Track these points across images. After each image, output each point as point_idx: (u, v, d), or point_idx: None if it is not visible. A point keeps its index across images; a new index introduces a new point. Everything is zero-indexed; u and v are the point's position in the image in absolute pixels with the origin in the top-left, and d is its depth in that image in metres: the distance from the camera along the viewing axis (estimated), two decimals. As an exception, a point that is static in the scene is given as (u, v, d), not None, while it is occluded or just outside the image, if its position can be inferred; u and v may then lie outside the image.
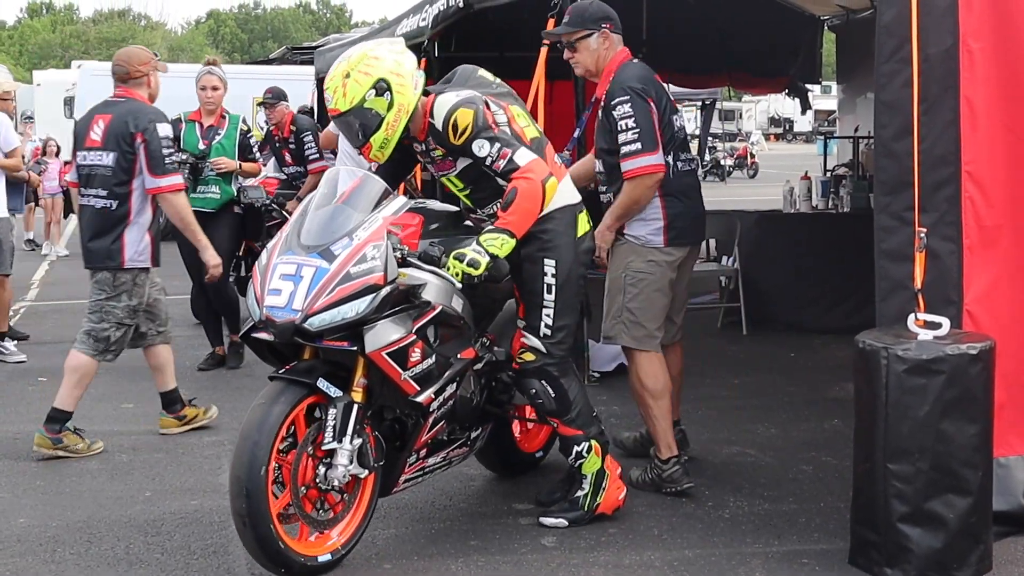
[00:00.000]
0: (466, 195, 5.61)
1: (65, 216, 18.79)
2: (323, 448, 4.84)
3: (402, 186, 8.50)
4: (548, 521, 5.59)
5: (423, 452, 5.30)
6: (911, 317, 4.92)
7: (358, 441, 4.86)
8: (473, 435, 5.70)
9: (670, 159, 6.04)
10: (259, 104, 11.28)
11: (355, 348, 4.83)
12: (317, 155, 10.85)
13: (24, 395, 8.65)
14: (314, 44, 21.30)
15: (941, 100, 5.05)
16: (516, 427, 6.24)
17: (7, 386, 8.95)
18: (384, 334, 4.84)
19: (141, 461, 6.82)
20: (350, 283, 4.80)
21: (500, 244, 5.07)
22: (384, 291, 4.84)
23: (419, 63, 10.96)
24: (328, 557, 4.93)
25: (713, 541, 5.38)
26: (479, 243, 5.06)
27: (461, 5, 10.07)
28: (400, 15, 12.60)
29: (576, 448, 5.59)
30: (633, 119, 5.84)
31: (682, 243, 6.12)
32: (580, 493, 5.63)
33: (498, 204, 5.36)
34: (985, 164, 5.09)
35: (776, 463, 6.53)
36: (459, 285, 5.06)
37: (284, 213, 9.92)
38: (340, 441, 4.81)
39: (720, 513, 5.75)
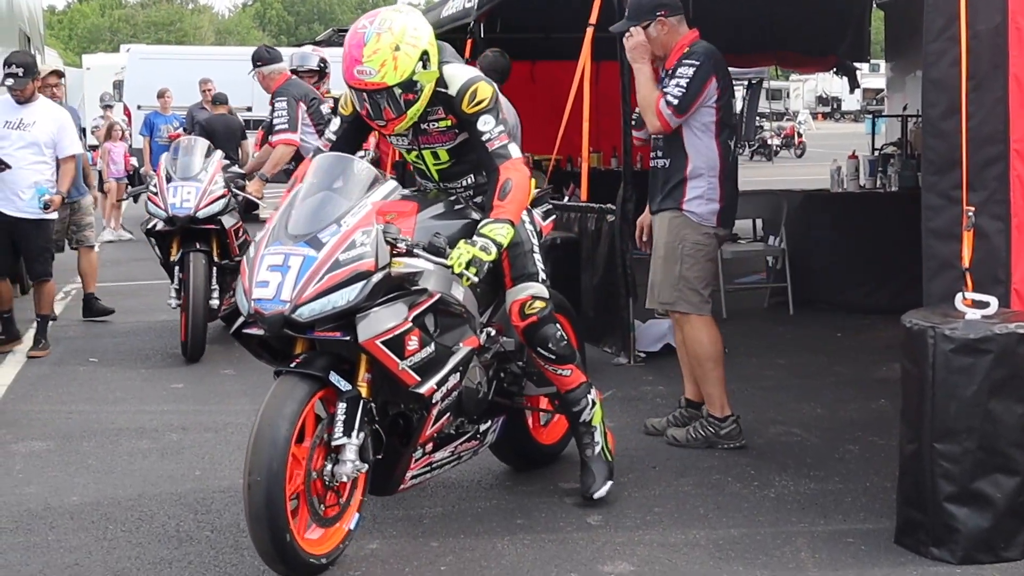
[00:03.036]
0: (441, 168, 5.54)
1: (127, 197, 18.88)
2: (334, 443, 4.70)
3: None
4: (597, 494, 5.59)
5: (429, 447, 5.20)
6: (959, 296, 4.89)
7: (363, 436, 4.75)
8: (483, 428, 5.60)
9: (731, 142, 6.41)
10: (248, 74, 10.41)
11: (348, 338, 4.68)
12: (285, 124, 9.64)
13: (76, 376, 8.76)
14: (342, 28, 21.32)
15: (990, 78, 5.01)
16: (531, 420, 6.11)
17: (60, 367, 9.06)
18: (377, 322, 4.69)
19: (191, 440, 6.89)
20: (339, 270, 4.67)
21: (505, 233, 5.06)
22: (375, 278, 4.72)
23: (465, 44, 11.13)
24: (323, 559, 4.77)
25: (758, 520, 5.38)
26: (483, 233, 5.01)
27: (506, -13, 10.12)
28: (445, -3, 12.67)
29: (588, 397, 5.66)
30: (687, 80, 6.21)
31: (729, 224, 6.53)
32: (599, 447, 5.68)
33: (468, 180, 5.50)
34: (1034, 143, 5.05)
35: (822, 443, 6.52)
36: (473, 279, 4.90)
37: (245, 198, 9.58)
38: (349, 436, 4.68)
39: (766, 492, 5.75)
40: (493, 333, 5.57)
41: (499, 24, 11.18)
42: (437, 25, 12.63)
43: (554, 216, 6.37)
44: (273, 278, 4.67)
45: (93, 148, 18.75)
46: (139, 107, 20.54)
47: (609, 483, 5.65)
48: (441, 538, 5.23)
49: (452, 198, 5.53)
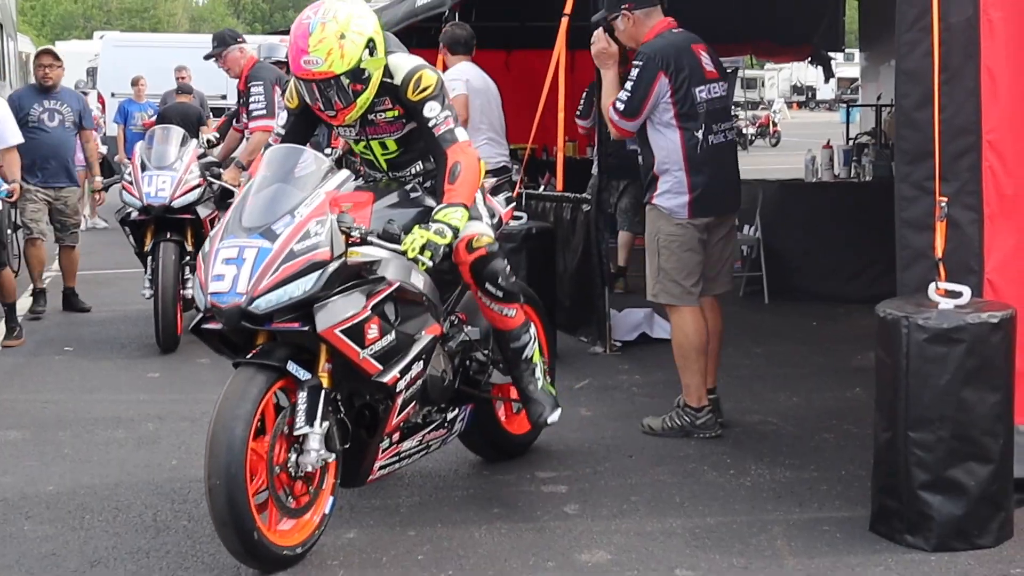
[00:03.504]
0: (390, 157, 5.54)
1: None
2: (296, 433, 4.67)
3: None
4: (551, 418, 5.72)
5: (396, 436, 5.19)
6: (932, 286, 4.93)
7: (326, 425, 4.73)
8: (450, 417, 5.60)
9: (699, 133, 6.34)
10: (205, 59, 10.06)
11: (306, 328, 4.66)
12: (263, 110, 9.38)
13: (51, 365, 8.73)
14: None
15: (962, 69, 5.05)
16: (502, 410, 6.11)
17: (35, 356, 9.04)
18: (335, 311, 4.68)
19: (168, 430, 6.88)
20: (294, 261, 4.66)
21: (460, 216, 5.08)
22: (331, 267, 4.70)
23: (439, 33, 11.08)
24: (298, 549, 4.77)
25: (734, 509, 5.41)
26: (437, 219, 5.02)
27: (482, -26, 10.12)
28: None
29: (529, 333, 5.69)
30: (632, 83, 6.31)
31: (709, 214, 6.43)
32: (540, 382, 5.75)
33: (416, 168, 5.52)
34: (1006, 133, 5.09)
35: (798, 431, 6.56)
36: (428, 263, 4.91)
37: (219, 186, 9.31)
38: (311, 426, 4.66)
39: (741, 481, 5.78)
40: (457, 321, 5.59)
41: (474, 13, 11.14)
42: (412, 14, 12.63)
43: (514, 204, 6.39)
44: (228, 271, 4.65)
45: None
46: (113, 95, 20.45)
47: (559, 410, 5.76)
48: (418, 527, 5.24)
49: (408, 187, 5.53)
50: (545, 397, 5.76)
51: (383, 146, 5.51)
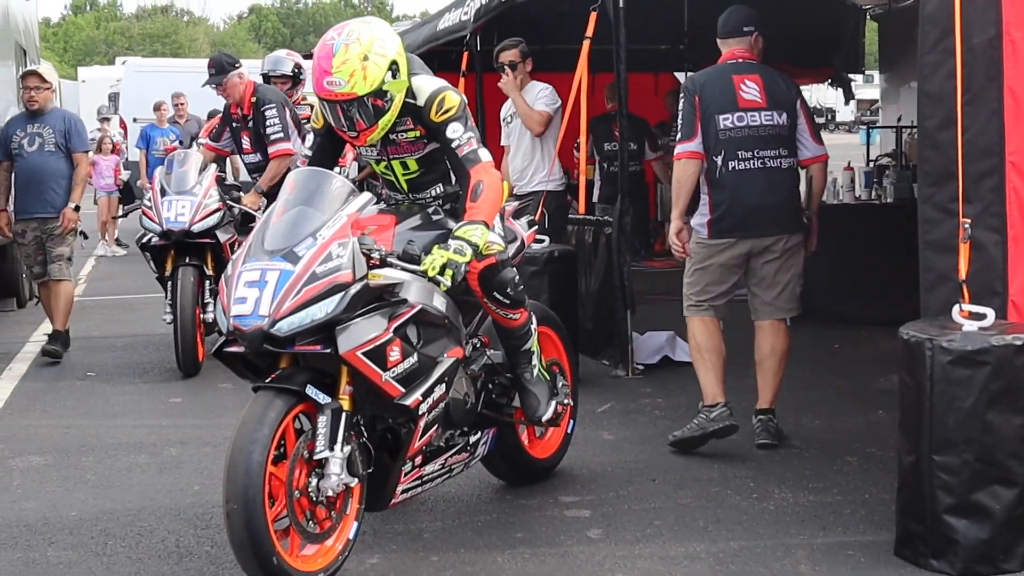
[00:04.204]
0: (410, 178, 5.56)
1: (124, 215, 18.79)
2: (315, 457, 4.66)
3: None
4: (546, 416, 5.79)
5: (418, 460, 5.18)
6: (956, 308, 4.91)
7: (348, 449, 4.71)
8: (472, 440, 5.60)
9: (717, 159, 6.63)
10: (203, 86, 9.98)
11: (328, 350, 4.67)
12: (280, 133, 9.39)
13: (73, 390, 8.76)
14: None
15: (985, 90, 5.02)
16: (525, 435, 6.08)
17: (58, 382, 9.06)
18: (357, 333, 4.69)
19: (190, 455, 6.89)
20: (317, 283, 4.66)
21: (480, 234, 5.09)
22: (353, 289, 4.70)
23: (461, 57, 11.12)
24: (321, 574, 4.73)
25: (758, 533, 5.39)
26: (457, 236, 5.04)
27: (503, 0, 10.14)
28: (442, 9, 12.69)
29: (530, 327, 5.69)
30: (680, 111, 6.78)
31: (729, 235, 6.66)
32: (536, 369, 5.77)
33: (437, 190, 5.54)
34: (1030, 154, 5.07)
35: (821, 455, 6.52)
36: (448, 283, 4.93)
37: (240, 210, 9.38)
38: (332, 449, 4.64)
39: (765, 505, 5.75)
40: (479, 344, 5.60)
41: (495, 36, 11.16)
42: (433, 38, 12.70)
43: (536, 227, 6.41)
44: (251, 294, 4.65)
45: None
46: (135, 120, 20.58)
47: (554, 402, 5.82)
48: (441, 552, 5.23)
49: (430, 209, 5.54)
50: (541, 388, 5.79)
51: (404, 166, 5.52)
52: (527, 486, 6.07)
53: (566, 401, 6.09)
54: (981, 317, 4.85)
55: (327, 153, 5.59)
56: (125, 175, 18.21)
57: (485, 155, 5.34)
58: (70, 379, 9.12)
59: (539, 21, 10.28)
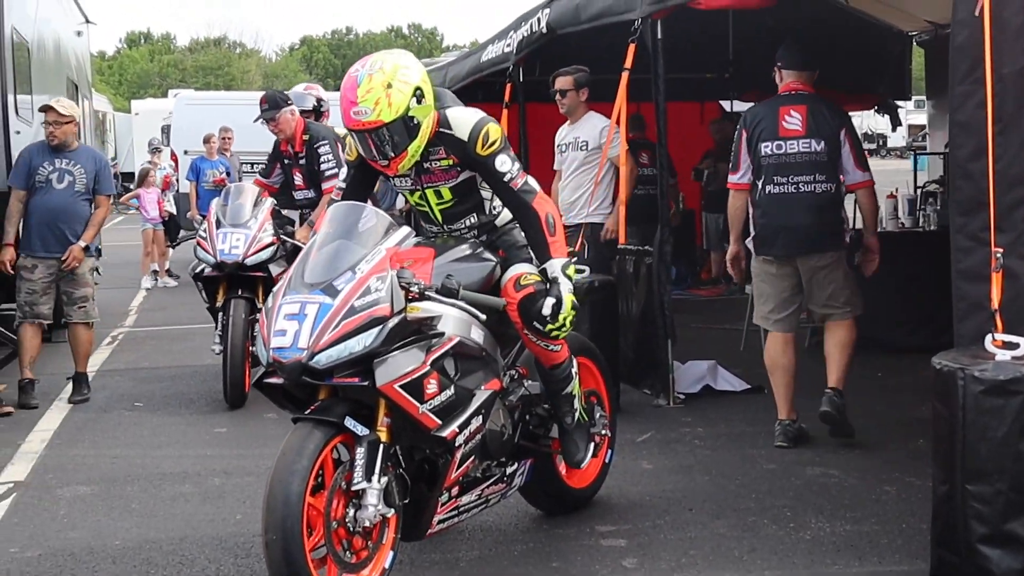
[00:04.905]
0: (445, 208, 5.63)
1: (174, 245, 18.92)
2: (353, 488, 4.70)
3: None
4: (585, 462, 5.89)
5: (455, 490, 5.22)
6: (988, 337, 4.91)
7: (385, 480, 4.75)
8: (509, 471, 5.64)
9: (759, 182, 7.36)
10: (255, 122, 10.15)
11: (366, 383, 4.73)
12: (335, 168, 9.45)
13: (121, 420, 8.88)
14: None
15: (1016, 120, 5.03)
16: (562, 465, 6.08)
17: (105, 412, 9.18)
18: (395, 367, 4.75)
19: (233, 485, 6.97)
20: (355, 316, 4.72)
21: (572, 271, 5.39)
22: (391, 323, 4.76)
23: (505, 88, 11.21)
24: None
25: (793, 563, 5.40)
26: (567, 275, 5.32)
27: (545, 31, 10.22)
28: (485, 41, 12.79)
29: (571, 370, 5.74)
30: (733, 145, 7.53)
31: (769, 253, 7.40)
32: (577, 413, 5.81)
33: (470, 220, 5.65)
34: (1062, 184, 5.07)
35: (859, 484, 6.52)
36: (568, 327, 5.26)
37: (292, 244, 9.32)
38: (369, 481, 4.69)
39: (801, 535, 5.76)
40: (516, 376, 5.64)
41: (538, 68, 11.25)
42: (477, 69, 12.80)
43: (574, 259, 6.46)
44: (290, 327, 4.72)
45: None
46: (186, 152, 20.78)
47: (591, 444, 5.94)
48: (477, 581, 5.27)
49: (468, 242, 5.62)
50: (581, 433, 5.84)
51: (438, 195, 5.59)
52: (564, 515, 6.10)
53: (603, 431, 6.14)
54: (1014, 346, 4.85)
55: (361, 185, 5.68)
56: (170, 207, 18.41)
57: (536, 183, 5.47)
58: (118, 409, 9.24)
59: (580, 52, 10.31)
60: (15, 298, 9.47)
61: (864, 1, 11.23)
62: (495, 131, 5.36)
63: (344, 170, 5.77)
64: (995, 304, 4.95)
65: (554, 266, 5.33)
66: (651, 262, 8.60)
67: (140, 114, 36.40)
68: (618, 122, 8.72)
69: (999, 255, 4.97)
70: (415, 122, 5.22)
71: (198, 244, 9.53)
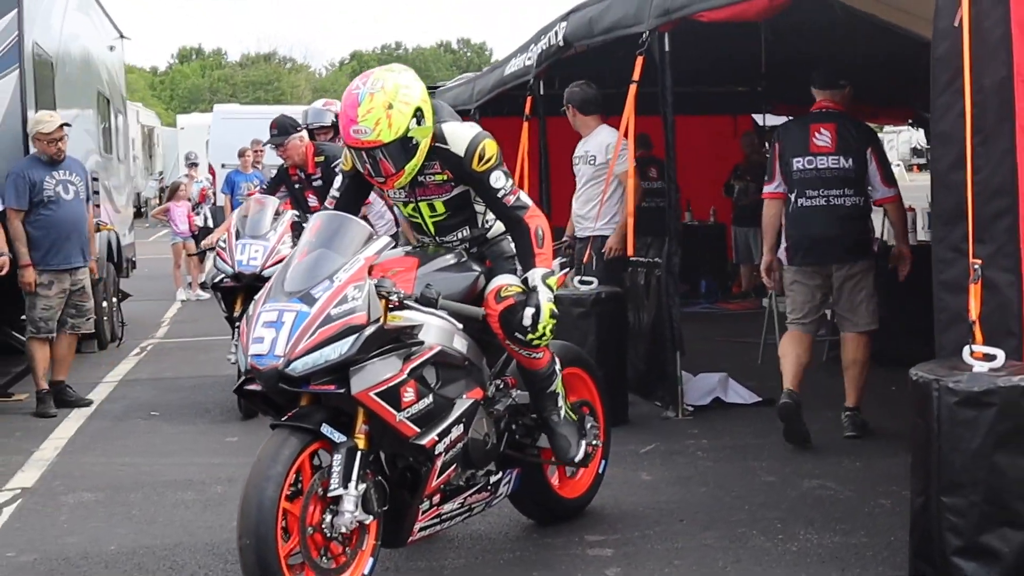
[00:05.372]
0: (437, 220, 5.68)
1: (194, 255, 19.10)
2: (329, 495, 4.76)
3: None
4: (579, 457, 5.87)
5: (436, 498, 5.26)
6: (966, 349, 4.90)
7: (363, 487, 4.81)
8: (493, 480, 5.65)
9: (791, 195, 7.77)
10: (264, 145, 10.31)
11: (342, 391, 4.77)
12: None
13: (135, 429, 9.00)
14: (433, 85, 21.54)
15: (998, 131, 5.01)
16: (555, 476, 6.16)
17: (121, 421, 9.31)
18: (371, 374, 4.80)
19: (235, 492, 6.91)
20: (331, 324, 4.76)
21: (553, 281, 5.41)
22: (367, 331, 4.80)
23: (526, 101, 11.26)
24: None
25: (775, 573, 5.40)
26: (547, 285, 5.39)
27: (562, 44, 10.26)
28: (509, 54, 12.84)
29: (554, 369, 5.76)
30: (768, 157, 8.06)
31: (801, 263, 7.77)
32: (563, 410, 5.83)
33: (463, 232, 5.70)
34: (1044, 195, 5.05)
35: (855, 496, 6.50)
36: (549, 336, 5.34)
37: None
38: (346, 487, 4.75)
39: (788, 546, 5.75)
40: (503, 385, 5.68)
41: (557, 82, 11.29)
42: (501, 82, 12.85)
43: (569, 269, 6.51)
44: (268, 334, 4.78)
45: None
46: (223, 165, 20.99)
47: (583, 442, 5.92)
48: (458, 589, 5.30)
49: (454, 252, 5.67)
50: (569, 429, 5.85)
51: (431, 208, 5.64)
52: (556, 525, 6.12)
53: (595, 442, 6.15)
54: (992, 358, 4.83)
55: (354, 194, 5.72)
56: (200, 221, 18.59)
57: (527, 199, 5.53)
58: (134, 419, 9.36)
59: (597, 65, 10.34)
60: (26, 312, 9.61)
61: (893, 12, 11.19)
62: (491, 147, 5.41)
63: (338, 178, 5.82)
64: (973, 315, 4.94)
65: (535, 275, 5.38)
66: (660, 274, 8.61)
67: (185, 128, 36.70)
68: (626, 134, 8.73)
69: (976, 267, 4.96)
70: (414, 143, 5.27)
71: (217, 254, 9.65)
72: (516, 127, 11.57)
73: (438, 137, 5.40)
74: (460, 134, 5.43)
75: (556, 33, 10.48)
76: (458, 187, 5.55)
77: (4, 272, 9.24)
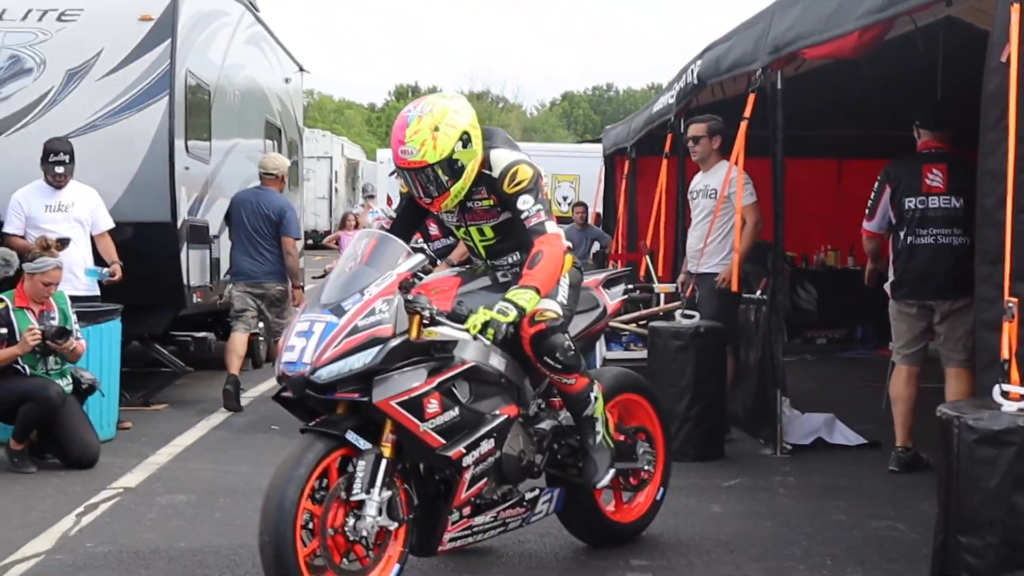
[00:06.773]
0: (488, 245, 5.80)
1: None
2: (352, 499, 4.93)
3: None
4: (601, 483, 5.81)
5: (467, 510, 5.35)
6: (996, 388, 4.82)
7: (387, 493, 4.96)
8: (530, 496, 5.72)
9: (902, 233, 7.93)
10: (389, 176, 10.65)
11: (365, 399, 4.95)
12: None
13: (251, 441, 9.33)
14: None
15: (1042, 169, 4.95)
16: (612, 503, 6.22)
17: (242, 433, 9.67)
18: (394, 384, 4.97)
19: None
20: (357, 335, 4.95)
21: (528, 299, 5.29)
22: (392, 343, 4.97)
23: (666, 139, 11.31)
24: None
25: (804, 607, 5.36)
26: (507, 298, 5.25)
27: (696, 82, 10.34)
28: (659, 93, 12.94)
29: (591, 395, 5.72)
30: (873, 192, 8.11)
31: (908, 297, 7.94)
32: (599, 436, 5.81)
33: (514, 257, 5.71)
34: (1087, 234, 4.95)
35: (920, 539, 6.34)
36: (487, 341, 5.16)
37: None
38: (368, 492, 4.91)
39: (830, 583, 5.71)
40: (545, 405, 5.76)
41: (682, 123, 11.31)
42: (649, 121, 12.96)
43: (624, 297, 6.54)
44: (299, 343, 5.00)
45: None
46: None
47: (612, 471, 5.85)
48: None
49: (498, 273, 5.78)
50: (602, 455, 5.83)
51: (481, 233, 5.80)
52: (609, 548, 6.17)
53: (646, 467, 6.19)
54: (1022, 398, 4.75)
55: (411, 215, 5.93)
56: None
57: (552, 227, 5.56)
58: (254, 431, 9.69)
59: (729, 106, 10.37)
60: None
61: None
62: (523, 172, 5.53)
63: (398, 200, 5.98)
64: (1004, 354, 4.87)
65: (510, 291, 5.35)
66: (765, 312, 8.59)
67: (384, 162, 37.66)
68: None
69: (1011, 305, 4.89)
70: (459, 165, 5.43)
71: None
72: (654, 165, 11.63)
73: (485, 162, 5.55)
74: (501, 158, 5.57)
75: (692, 71, 10.57)
76: (504, 212, 5.67)
77: (116, 279, 9.75)
